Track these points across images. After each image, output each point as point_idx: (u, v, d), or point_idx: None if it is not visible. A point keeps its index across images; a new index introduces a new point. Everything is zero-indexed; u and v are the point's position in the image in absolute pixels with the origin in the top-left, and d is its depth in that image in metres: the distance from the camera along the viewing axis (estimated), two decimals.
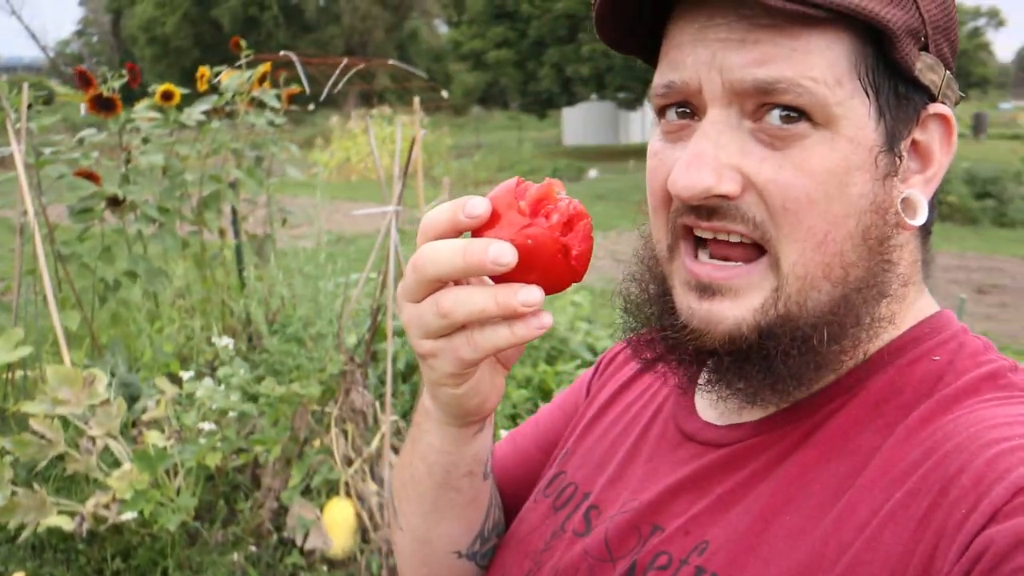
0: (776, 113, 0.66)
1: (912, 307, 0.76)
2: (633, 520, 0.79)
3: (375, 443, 3.48)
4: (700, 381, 0.77)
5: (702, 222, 0.70)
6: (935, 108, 0.71)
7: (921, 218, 0.71)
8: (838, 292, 0.69)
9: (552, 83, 27.44)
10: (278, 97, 4.59)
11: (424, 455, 0.85)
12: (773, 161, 0.67)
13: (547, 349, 4.96)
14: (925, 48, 0.69)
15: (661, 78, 0.72)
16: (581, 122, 35.71)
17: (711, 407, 0.82)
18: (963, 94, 0.75)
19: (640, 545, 0.76)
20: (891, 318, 0.73)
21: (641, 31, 0.73)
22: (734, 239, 0.70)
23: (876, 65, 0.67)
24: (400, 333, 4.34)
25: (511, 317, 0.63)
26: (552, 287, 0.64)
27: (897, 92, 0.69)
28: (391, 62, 4.94)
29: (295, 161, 5.76)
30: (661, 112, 0.74)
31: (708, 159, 0.67)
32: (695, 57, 0.68)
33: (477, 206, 0.63)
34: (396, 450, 3.61)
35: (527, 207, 0.63)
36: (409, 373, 4.32)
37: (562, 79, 27.45)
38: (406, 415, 4.17)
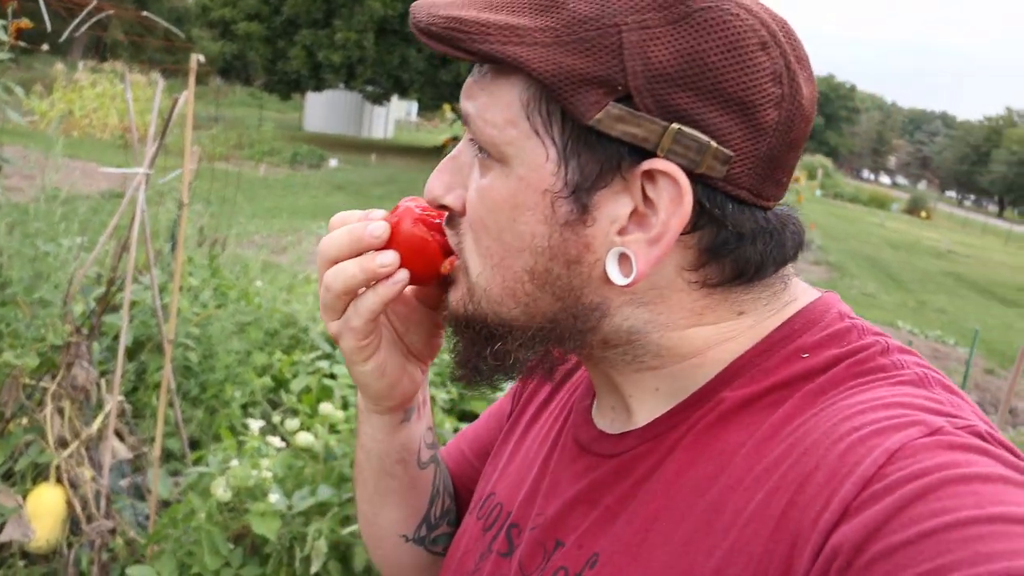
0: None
1: (762, 323, 0.74)
2: (540, 536, 0.80)
3: (97, 424, 3.16)
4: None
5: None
6: (650, 164, 0.66)
7: (628, 280, 0.68)
8: (533, 320, 0.73)
9: (302, 65, 26.59)
10: (4, 29, 4.05)
11: (362, 443, 0.96)
12: (475, 184, 0.73)
13: (287, 336, 4.80)
14: (626, 98, 0.64)
15: None
16: (325, 109, 35.02)
17: (604, 414, 0.83)
18: (731, 153, 0.66)
19: (545, 561, 0.78)
20: (704, 343, 0.73)
21: None
22: None
23: (552, 111, 0.67)
24: (135, 305, 3.99)
25: (373, 278, 0.78)
26: (421, 273, 0.79)
27: (586, 140, 0.66)
28: (145, 14, 4.53)
29: (15, 105, 5.12)
30: None
31: (444, 172, 0.76)
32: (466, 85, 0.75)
33: (377, 229, 0.79)
34: (119, 434, 3.31)
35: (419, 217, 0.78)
36: (136, 350, 3.98)
37: (312, 63, 26.70)
38: (130, 394, 3.83)
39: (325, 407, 3.20)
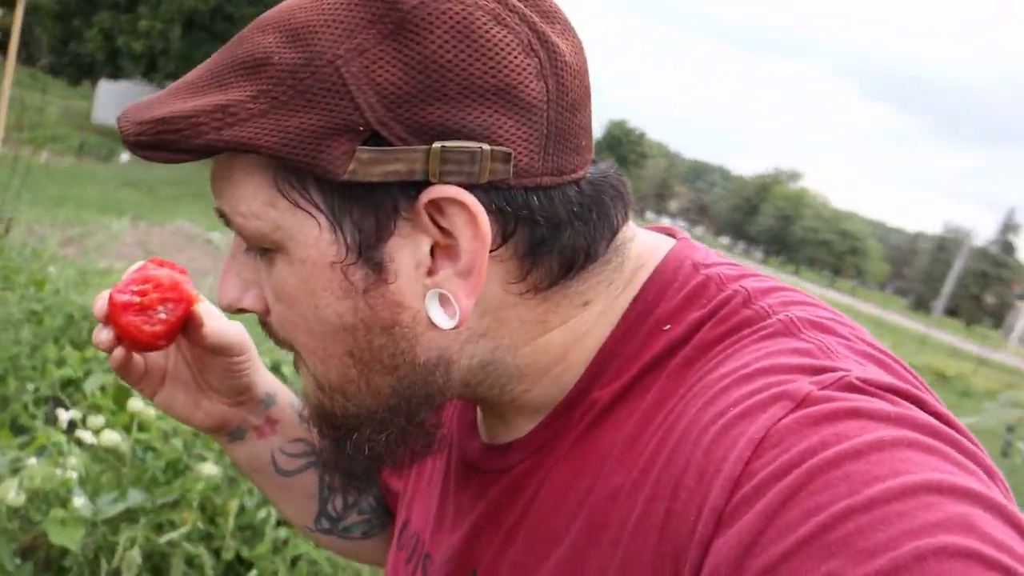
0: None
1: (616, 301, 0.67)
2: (453, 569, 0.75)
3: None
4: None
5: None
6: (427, 194, 0.59)
7: (454, 321, 0.62)
8: (377, 398, 0.67)
9: (97, 49, 24.62)
10: None
11: None
12: (267, 282, 0.66)
13: (87, 330, 4.39)
14: (374, 136, 0.58)
15: None
16: (119, 100, 32.70)
17: (486, 426, 0.77)
18: (508, 149, 0.59)
19: None
20: (562, 346, 0.67)
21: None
22: None
23: (303, 178, 0.60)
24: None
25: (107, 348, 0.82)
26: (134, 348, 0.83)
27: (351, 196, 0.60)
28: None
29: None
30: None
31: (232, 275, 0.69)
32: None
33: (96, 310, 0.81)
34: None
35: (118, 299, 0.80)
36: None
37: (110, 48, 24.84)
38: None
39: (135, 403, 2.93)
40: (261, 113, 0.57)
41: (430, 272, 0.62)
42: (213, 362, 0.88)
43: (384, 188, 0.59)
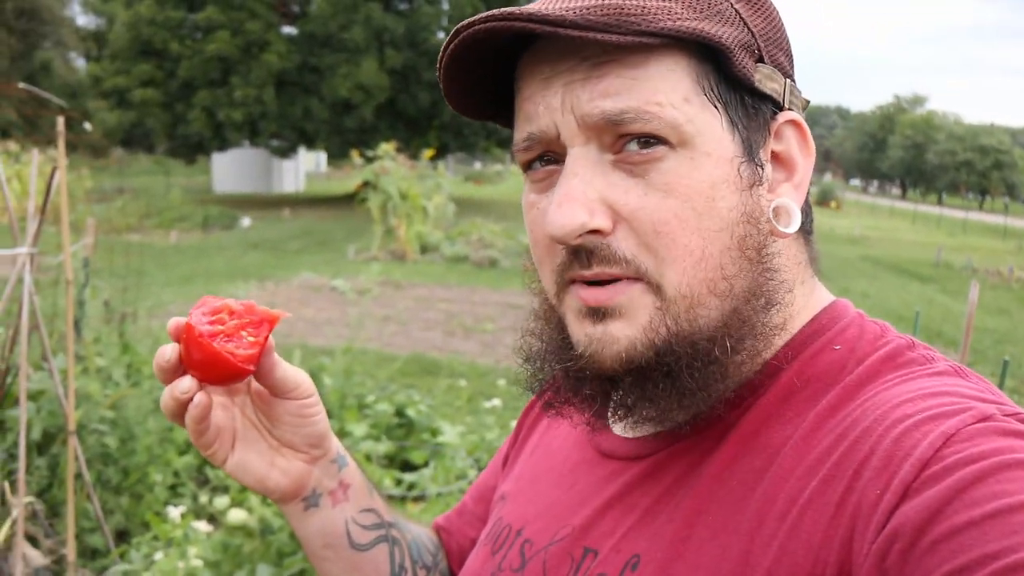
0: (634, 143, 0.68)
1: (807, 303, 0.78)
2: (567, 547, 0.80)
3: (4, 531, 2.88)
4: (611, 411, 0.77)
5: (585, 272, 0.71)
6: (785, 116, 0.74)
7: (795, 225, 0.73)
8: (728, 305, 0.70)
9: (203, 127, 25.97)
10: None
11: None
12: (638, 189, 0.68)
13: None
14: (761, 60, 0.72)
15: (520, 134, 0.74)
16: (232, 169, 34.45)
17: (626, 424, 0.82)
18: (808, 99, 0.77)
19: (573, 570, 0.77)
20: (783, 324, 0.74)
21: (487, 93, 0.77)
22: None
23: (719, 80, 0.70)
24: (34, 397, 3.70)
25: (185, 403, 0.81)
26: (221, 381, 0.81)
27: (744, 103, 0.71)
28: (21, 86, 4.27)
29: None
30: (527, 166, 0.76)
31: (577, 196, 0.68)
32: (546, 105, 0.70)
33: (165, 354, 0.79)
34: (32, 538, 3.03)
35: (201, 330, 0.77)
36: (47, 443, 3.69)
37: (214, 123, 26.14)
38: (43, 493, 3.54)
39: None
40: (697, 19, 0.67)
41: (770, 188, 0.73)
42: (282, 409, 0.88)
43: (766, 102, 0.72)
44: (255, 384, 0.88)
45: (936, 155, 79.14)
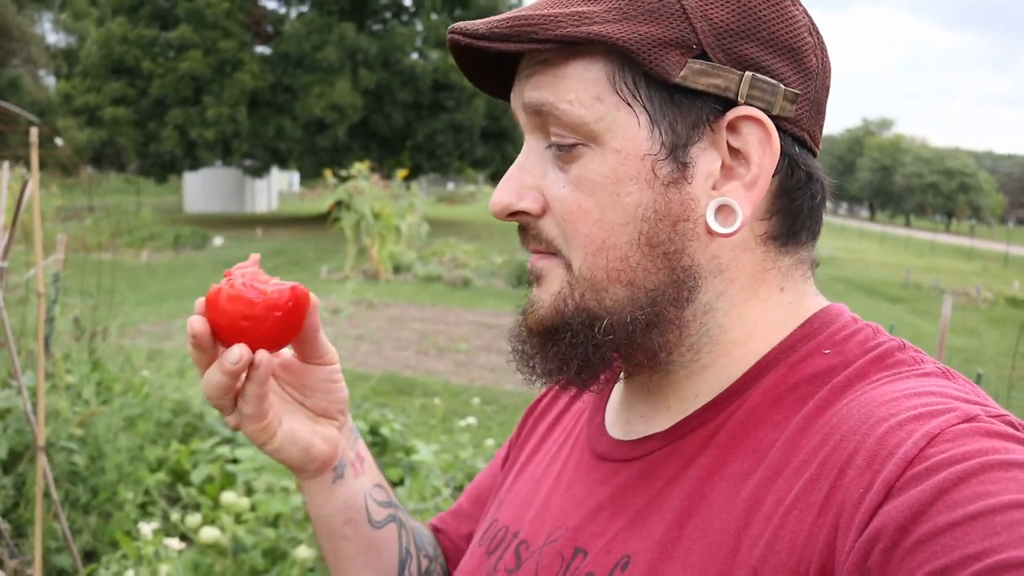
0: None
1: (796, 309, 0.78)
2: (559, 547, 0.81)
3: None
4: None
5: (525, 246, 0.80)
6: (737, 111, 0.72)
7: (734, 226, 0.72)
8: (639, 293, 0.74)
9: (175, 145, 25.74)
10: None
11: (311, 514, 0.97)
12: (560, 180, 0.75)
13: (182, 426, 4.48)
14: (703, 55, 0.70)
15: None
16: (204, 188, 34.20)
17: (620, 427, 0.85)
18: (798, 92, 0.73)
19: (563, 569, 0.79)
20: (754, 325, 0.77)
21: (497, 80, 0.82)
22: None
23: (638, 79, 0.71)
24: (1, 415, 3.64)
25: (240, 373, 0.79)
26: (272, 345, 0.80)
27: (673, 101, 0.71)
28: None
29: None
30: None
31: (513, 180, 0.77)
32: (515, 96, 0.79)
33: (193, 330, 0.78)
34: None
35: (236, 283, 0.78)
36: (14, 462, 3.62)
37: (186, 142, 25.94)
38: (8, 513, 3.47)
39: (227, 496, 2.95)
40: (613, 21, 0.70)
41: (715, 187, 0.73)
42: (315, 376, 0.90)
43: (702, 99, 0.71)
44: (284, 356, 0.90)
45: (903, 177, 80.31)
